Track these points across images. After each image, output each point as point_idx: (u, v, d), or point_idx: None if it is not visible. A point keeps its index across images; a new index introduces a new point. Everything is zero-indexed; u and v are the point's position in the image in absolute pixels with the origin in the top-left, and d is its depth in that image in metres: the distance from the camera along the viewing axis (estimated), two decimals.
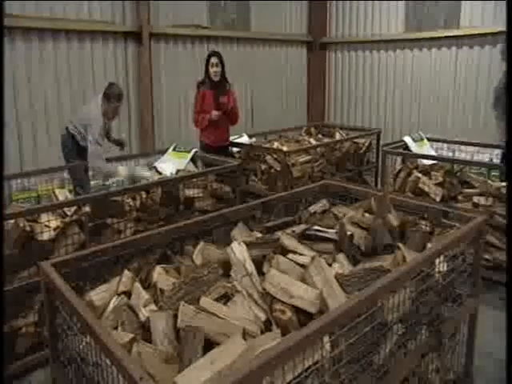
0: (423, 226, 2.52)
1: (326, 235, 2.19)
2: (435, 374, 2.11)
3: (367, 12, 7.35)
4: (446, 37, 6.38)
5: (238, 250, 1.88)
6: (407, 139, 4.54)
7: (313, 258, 1.73)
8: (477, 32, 6.04)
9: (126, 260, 2.04)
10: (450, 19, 6.38)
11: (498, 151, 5.05)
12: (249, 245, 1.95)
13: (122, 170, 3.67)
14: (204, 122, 4.25)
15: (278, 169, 4.15)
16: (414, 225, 2.43)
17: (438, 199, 3.84)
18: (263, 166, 4.35)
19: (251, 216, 2.61)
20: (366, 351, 1.62)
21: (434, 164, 4.13)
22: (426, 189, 3.92)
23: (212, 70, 4.22)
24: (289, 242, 1.98)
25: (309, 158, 4.47)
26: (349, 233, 2.17)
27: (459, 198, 3.81)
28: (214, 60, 4.23)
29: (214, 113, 4.17)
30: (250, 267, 1.81)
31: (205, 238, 2.29)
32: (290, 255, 1.93)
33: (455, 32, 6.27)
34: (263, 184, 4.31)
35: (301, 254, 1.94)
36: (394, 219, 2.28)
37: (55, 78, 4.82)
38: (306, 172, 4.34)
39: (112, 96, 3.64)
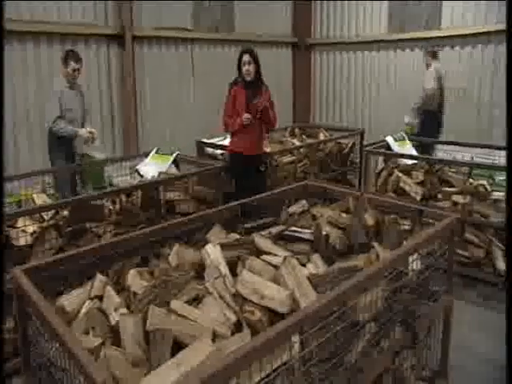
0: (405, 225, 2.55)
1: (302, 236, 2.20)
2: (410, 371, 2.14)
3: (351, 13, 7.42)
4: (427, 38, 6.45)
5: (212, 252, 1.89)
6: (389, 139, 4.58)
7: (285, 259, 1.75)
8: (457, 33, 6.13)
9: (109, 263, 2.03)
10: (432, 20, 6.47)
11: (478, 150, 5.14)
12: (223, 246, 1.97)
13: (83, 131, 4.04)
14: (234, 127, 3.82)
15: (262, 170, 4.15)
16: (395, 224, 2.46)
17: (418, 198, 3.88)
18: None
19: (235, 217, 2.63)
20: (337, 350, 1.64)
21: (414, 164, 4.17)
22: (407, 188, 3.96)
23: (244, 68, 3.77)
24: (263, 243, 2.00)
25: (292, 158, 4.50)
26: (324, 233, 2.19)
27: (439, 196, 3.85)
28: (246, 58, 3.78)
29: (246, 116, 3.72)
30: (224, 269, 1.82)
31: (188, 239, 2.29)
32: (264, 256, 1.94)
33: (437, 33, 6.35)
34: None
35: (275, 255, 1.95)
36: (369, 219, 2.30)
37: (37, 80, 4.79)
38: (290, 173, 4.36)
39: (69, 57, 3.96)
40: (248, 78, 3.81)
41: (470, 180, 4.04)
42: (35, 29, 4.68)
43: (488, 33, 5.86)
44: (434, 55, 5.50)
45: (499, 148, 4.52)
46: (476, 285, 3.51)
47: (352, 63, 7.52)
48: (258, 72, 3.83)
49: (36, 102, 4.74)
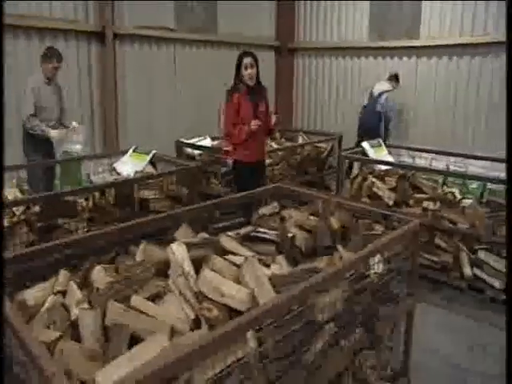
0: (377, 230, 2.61)
1: (269, 237, 2.25)
2: (371, 371, 2.19)
3: (333, 20, 7.53)
4: (407, 47, 6.60)
5: (177, 251, 1.91)
6: (365, 145, 4.67)
7: (246, 259, 1.78)
8: (435, 43, 6.28)
9: (80, 260, 2.04)
10: (411, 30, 6.61)
11: (453, 159, 5.28)
12: (189, 245, 1.99)
13: (54, 133, 4.04)
14: (242, 136, 3.59)
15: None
16: (360, 228, 2.52)
17: (391, 203, 3.96)
18: (223, 169, 4.39)
19: (210, 217, 2.66)
20: (295, 349, 1.68)
21: (388, 169, 4.27)
22: (380, 193, 4.04)
23: (246, 72, 3.55)
24: (228, 243, 2.03)
25: (269, 161, 4.54)
26: (290, 235, 2.24)
27: (410, 202, 3.94)
28: (247, 60, 3.55)
29: (254, 122, 3.55)
30: (188, 267, 1.85)
31: (161, 238, 2.31)
32: (229, 256, 1.97)
33: (415, 42, 6.50)
34: (223, 186, 4.35)
35: (240, 255, 1.99)
36: (335, 222, 2.36)
37: (14, 77, 4.73)
38: (267, 175, 4.41)
39: (51, 54, 3.97)
40: (251, 83, 3.61)
41: (445, 187, 4.15)
42: (12, 22, 4.62)
43: (464, 45, 6.02)
44: (397, 79, 6.20)
45: (475, 157, 4.67)
46: (442, 288, 3.61)
47: (334, 68, 7.62)
48: (258, 75, 3.66)
49: (13, 96, 4.69)
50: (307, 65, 7.98)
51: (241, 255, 2.00)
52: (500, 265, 3.39)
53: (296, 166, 4.80)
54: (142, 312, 1.52)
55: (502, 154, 5.46)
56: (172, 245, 1.96)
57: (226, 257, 1.96)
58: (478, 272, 3.51)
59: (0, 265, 1.52)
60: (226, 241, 2.04)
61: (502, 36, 5.65)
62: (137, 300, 1.55)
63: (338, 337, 1.90)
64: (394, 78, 6.24)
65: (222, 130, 3.93)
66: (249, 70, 3.56)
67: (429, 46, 6.39)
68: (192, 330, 1.55)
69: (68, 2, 5.09)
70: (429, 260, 3.73)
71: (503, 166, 4.85)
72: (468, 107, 6.12)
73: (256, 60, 3.61)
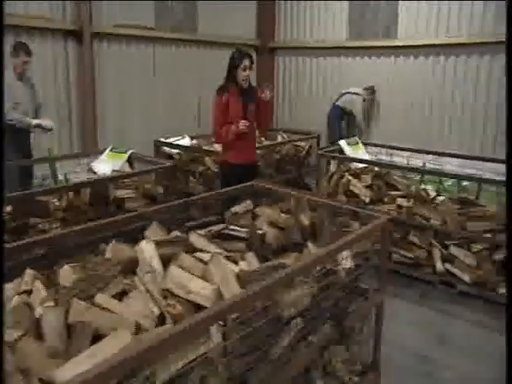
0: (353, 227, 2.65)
1: (239, 234, 2.27)
2: (341, 365, 2.24)
3: (313, 19, 7.58)
4: (384, 46, 6.68)
5: (146, 249, 1.92)
6: (342, 143, 4.73)
7: (212, 256, 1.80)
8: (412, 43, 6.38)
9: (50, 259, 2.03)
10: (389, 30, 6.70)
11: (430, 157, 5.38)
12: (159, 243, 2.00)
13: (33, 120, 4.10)
14: (229, 135, 3.50)
15: (216, 170, 4.21)
16: (331, 225, 2.55)
17: (367, 200, 4.03)
18: (201, 168, 4.39)
19: (184, 215, 2.66)
20: (261, 344, 1.70)
21: (365, 167, 4.33)
22: (356, 191, 4.10)
23: (244, 74, 3.44)
24: (198, 241, 2.05)
25: None
26: (260, 232, 2.27)
27: (385, 199, 4.01)
28: (247, 62, 3.44)
29: (243, 123, 3.44)
30: (156, 265, 1.86)
31: (137, 237, 2.31)
32: (198, 253, 1.99)
33: (393, 42, 6.59)
34: (201, 185, 4.35)
35: (209, 253, 2.01)
36: (305, 219, 2.39)
37: None
38: None
39: (19, 48, 3.96)
40: (245, 85, 3.51)
41: (422, 185, 4.21)
42: None
43: (439, 45, 6.14)
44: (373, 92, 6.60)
45: (451, 155, 4.77)
46: (416, 283, 3.69)
47: (314, 68, 7.68)
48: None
49: None
50: (287, 64, 8.02)
51: (210, 252, 2.01)
52: (470, 259, 3.48)
53: (275, 165, 4.83)
54: (106, 309, 1.52)
55: (475, 152, 5.62)
56: (141, 243, 1.97)
57: (194, 254, 1.97)
58: (449, 267, 3.60)
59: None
60: (195, 238, 2.06)
61: (475, 37, 5.78)
62: (101, 298, 1.56)
63: (306, 332, 1.93)
64: (370, 89, 6.56)
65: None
66: (247, 72, 3.47)
67: (406, 46, 6.49)
68: (157, 326, 1.56)
69: (44, 1, 5.02)
70: (403, 256, 3.81)
71: (477, 163, 5.00)
72: (444, 106, 6.23)
73: (253, 62, 3.56)
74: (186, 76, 6.72)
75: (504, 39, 5.51)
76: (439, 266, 3.62)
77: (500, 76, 5.67)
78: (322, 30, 7.49)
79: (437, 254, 3.67)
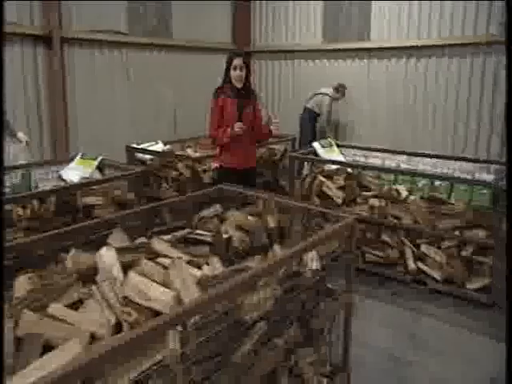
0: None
1: (205, 239, 2.25)
2: (309, 367, 2.23)
3: (288, 23, 7.63)
4: (358, 49, 6.76)
5: (106, 256, 1.88)
6: (316, 145, 4.75)
7: (173, 261, 1.78)
8: (384, 46, 6.47)
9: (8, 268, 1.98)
10: (362, 33, 6.78)
11: (404, 157, 5.45)
12: (120, 250, 1.97)
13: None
14: (224, 138, 3.45)
15: (188, 175, 4.18)
16: (298, 226, 2.56)
17: (339, 202, 4.05)
18: (174, 173, 4.36)
19: (148, 221, 2.62)
20: (222, 349, 1.68)
21: (337, 169, 4.35)
22: (329, 192, 4.12)
23: (235, 73, 3.42)
24: (160, 246, 2.02)
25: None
26: (226, 235, 2.25)
27: (358, 200, 4.04)
28: (238, 62, 3.41)
29: (238, 125, 3.39)
30: (116, 272, 1.82)
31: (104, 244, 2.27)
32: (159, 259, 1.96)
33: (366, 45, 6.67)
34: (174, 191, 4.32)
35: (171, 258, 1.98)
36: (271, 221, 2.39)
37: None
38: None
39: None
40: (239, 85, 3.47)
41: (397, 185, 4.24)
42: None
43: (411, 47, 6.24)
44: (344, 91, 6.64)
45: (424, 155, 4.82)
46: (389, 283, 3.72)
47: (289, 71, 7.72)
48: (248, 78, 3.52)
49: None
50: (263, 68, 8.05)
51: (172, 258, 1.98)
52: (440, 257, 3.52)
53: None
54: (59, 320, 1.48)
55: (447, 151, 5.71)
56: (101, 250, 1.93)
57: (156, 260, 1.95)
58: (421, 265, 3.64)
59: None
60: (158, 244, 2.03)
61: (445, 39, 5.90)
62: (55, 308, 1.52)
63: (270, 335, 1.92)
64: (341, 89, 6.58)
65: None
66: (238, 72, 3.43)
67: (379, 48, 6.58)
68: (113, 335, 1.53)
69: (11, 3, 4.92)
70: (375, 256, 3.84)
71: (448, 162, 5.08)
72: (417, 107, 6.32)
73: (247, 62, 3.49)
74: (162, 81, 6.68)
75: (471, 41, 5.66)
76: (411, 264, 3.66)
77: (469, 76, 5.79)
78: (297, 33, 7.55)
79: (409, 252, 3.70)
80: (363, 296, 3.51)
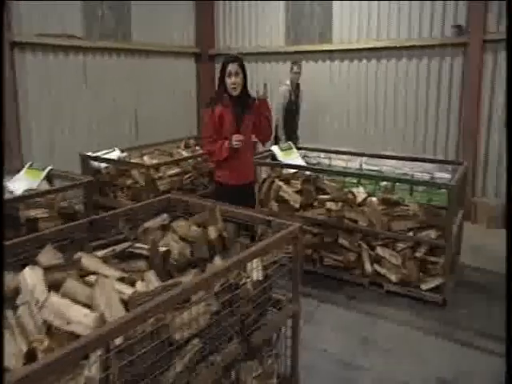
0: None
1: (141, 252, 2.17)
2: (253, 381, 2.17)
3: (251, 26, 7.60)
4: (320, 51, 6.78)
5: (30, 276, 1.79)
6: (274, 148, 4.72)
7: (97, 279, 1.70)
8: (345, 48, 6.51)
9: None
10: (324, 35, 6.80)
11: (365, 159, 5.49)
12: (48, 269, 1.87)
13: None
14: (223, 153, 3.15)
15: (142, 183, 4.08)
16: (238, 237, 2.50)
17: (297, 206, 4.02)
18: (128, 181, 4.25)
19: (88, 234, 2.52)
20: (150, 371, 1.61)
21: (295, 172, 4.32)
22: (287, 196, 4.09)
23: (230, 80, 3.11)
24: (89, 262, 1.93)
25: (178, 170, 4.46)
26: (164, 248, 2.18)
27: (315, 204, 4.02)
28: (232, 68, 3.09)
29: (236, 137, 3.09)
30: (39, 294, 1.73)
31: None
32: (89, 277, 1.87)
33: (328, 47, 6.69)
34: (129, 199, 4.21)
35: (103, 275, 1.89)
36: (213, 231, 2.32)
37: None
38: (175, 185, 4.32)
39: None
40: (234, 93, 3.15)
41: (360, 187, 4.22)
42: None
43: (371, 49, 6.29)
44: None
45: (386, 157, 4.85)
46: (346, 286, 3.71)
47: (253, 73, 7.64)
48: (245, 84, 3.23)
49: None
50: None
51: (104, 275, 1.90)
52: (395, 258, 3.54)
53: (209, 174, 4.74)
54: None
55: (408, 151, 5.76)
56: (25, 270, 1.83)
57: (85, 278, 1.86)
58: (377, 267, 3.64)
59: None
60: (88, 261, 1.94)
61: (403, 41, 5.97)
62: None
63: (207, 352, 1.86)
64: (293, 65, 6.06)
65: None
66: (233, 79, 3.11)
67: (340, 50, 6.61)
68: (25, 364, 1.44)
69: None
70: (333, 259, 3.83)
71: (408, 163, 5.14)
72: (378, 108, 6.38)
73: (243, 67, 3.17)
74: (122, 86, 6.54)
75: (427, 43, 5.74)
76: (368, 267, 3.67)
77: (427, 78, 5.88)
78: (260, 36, 7.52)
79: (365, 255, 3.71)
80: (319, 300, 3.50)
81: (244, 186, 3.29)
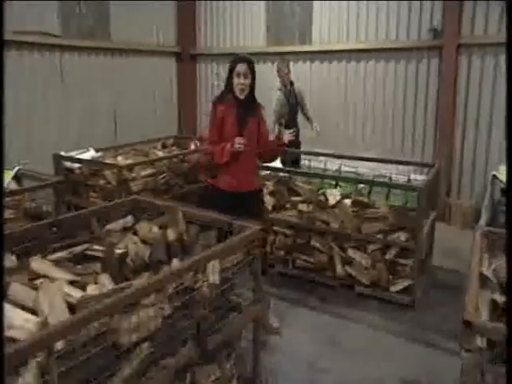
0: None
1: (97, 254, 2.14)
2: None
3: (233, 26, 7.59)
4: (301, 52, 6.79)
5: None
6: None
7: (41, 284, 1.67)
8: (325, 49, 6.53)
9: None
10: (304, 36, 6.81)
11: (345, 161, 5.51)
12: None
13: None
14: (225, 156, 2.98)
15: (114, 184, 4.04)
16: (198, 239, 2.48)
17: (270, 208, 4.01)
18: (102, 182, 4.21)
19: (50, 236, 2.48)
20: (95, 376, 1.59)
21: (269, 174, 4.31)
22: None
23: (238, 81, 2.93)
24: (39, 266, 1.90)
25: (153, 171, 4.42)
26: (121, 250, 2.15)
27: (287, 206, 4.02)
28: (241, 68, 2.92)
29: (239, 140, 2.91)
30: None
31: None
32: (40, 280, 1.84)
33: (308, 48, 6.71)
34: (102, 200, 4.16)
35: (54, 279, 1.86)
36: (172, 233, 2.30)
37: None
38: (149, 186, 4.29)
39: None
40: (241, 95, 2.97)
41: (338, 189, 4.18)
42: None
43: (350, 51, 6.31)
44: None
45: (364, 159, 4.87)
46: (318, 289, 3.71)
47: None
48: (252, 87, 3.03)
49: None
50: (209, 71, 7.96)
51: (53, 278, 1.87)
52: (366, 260, 3.55)
53: (183, 175, 4.71)
54: None
55: (385, 152, 5.77)
56: None
57: (34, 282, 1.83)
58: (349, 269, 3.65)
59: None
60: (38, 264, 1.91)
61: (381, 43, 6.00)
62: None
63: (158, 356, 1.84)
64: (279, 65, 5.61)
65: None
66: (241, 80, 2.93)
67: (320, 51, 6.62)
68: None
69: None
70: (305, 261, 3.82)
71: (388, 166, 5.17)
72: (357, 109, 6.40)
73: (252, 69, 2.98)
74: (100, 86, 6.46)
75: (404, 46, 5.78)
76: (339, 269, 3.67)
77: (404, 81, 5.92)
78: (241, 36, 7.51)
79: (337, 257, 3.71)
80: (292, 303, 3.50)
81: (244, 194, 3.09)
